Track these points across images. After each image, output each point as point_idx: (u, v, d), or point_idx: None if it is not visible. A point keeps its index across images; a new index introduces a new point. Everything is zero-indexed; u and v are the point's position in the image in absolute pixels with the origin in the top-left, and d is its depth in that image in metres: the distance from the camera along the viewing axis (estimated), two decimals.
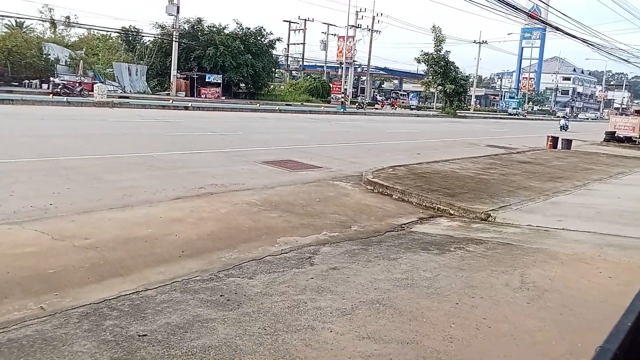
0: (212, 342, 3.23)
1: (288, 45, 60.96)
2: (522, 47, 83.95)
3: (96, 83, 30.44)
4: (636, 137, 26.14)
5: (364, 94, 58.93)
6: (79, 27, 42.57)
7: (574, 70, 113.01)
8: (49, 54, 36.18)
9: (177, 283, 4.28)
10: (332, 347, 3.23)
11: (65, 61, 36.78)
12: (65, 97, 25.86)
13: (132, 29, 42.66)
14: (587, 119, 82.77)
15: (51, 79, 31.72)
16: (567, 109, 58.27)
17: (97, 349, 3.11)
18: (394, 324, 3.61)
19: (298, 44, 61.09)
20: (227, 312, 3.70)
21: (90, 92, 28.49)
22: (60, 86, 28.80)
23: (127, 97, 30.28)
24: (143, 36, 42.35)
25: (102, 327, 3.40)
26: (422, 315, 3.78)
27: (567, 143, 20.37)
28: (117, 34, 43.52)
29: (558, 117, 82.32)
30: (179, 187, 8.07)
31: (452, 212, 7.79)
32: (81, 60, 35.29)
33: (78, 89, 29.21)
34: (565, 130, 35.62)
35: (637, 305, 1.03)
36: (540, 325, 3.71)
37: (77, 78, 32.10)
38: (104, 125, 16.88)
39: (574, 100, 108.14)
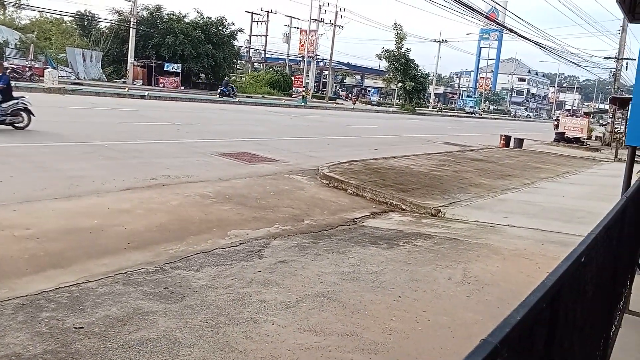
0: (151, 335, 3.19)
1: (250, 36, 60.24)
2: (481, 48, 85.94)
3: (48, 68, 29.28)
4: (584, 138, 27.31)
5: (325, 88, 59.01)
6: (30, 9, 40.87)
7: (529, 71, 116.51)
8: None
9: (120, 275, 4.20)
10: (272, 340, 3.25)
11: (15, 44, 35.18)
12: (14, 82, 24.74)
13: (88, 14, 41.24)
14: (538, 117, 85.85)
15: None
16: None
17: (30, 341, 3.02)
18: (336, 317, 3.66)
19: (260, 35, 60.43)
20: (169, 305, 3.66)
21: (41, 78, 27.34)
22: (9, 70, 27.54)
23: (81, 84, 29.22)
24: (99, 21, 40.97)
25: (38, 319, 3.31)
26: (365, 308, 3.85)
27: (519, 142, 21.10)
28: (72, 18, 41.95)
29: (516, 117, 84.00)
30: (130, 177, 7.89)
31: (404, 207, 7.93)
32: (32, 44, 33.83)
33: (28, 74, 28.03)
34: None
35: (530, 301, 1.07)
36: (477, 318, 3.84)
37: (27, 62, 30.77)
38: (54, 112, 16.28)
39: (528, 101, 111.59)
